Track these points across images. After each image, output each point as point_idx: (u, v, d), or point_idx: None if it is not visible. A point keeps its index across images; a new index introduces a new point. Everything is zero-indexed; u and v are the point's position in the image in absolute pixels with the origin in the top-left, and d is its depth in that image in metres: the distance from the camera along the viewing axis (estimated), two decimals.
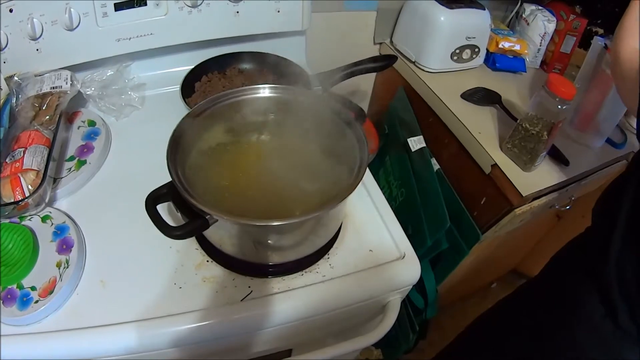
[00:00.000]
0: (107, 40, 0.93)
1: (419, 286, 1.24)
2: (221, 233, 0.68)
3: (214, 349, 0.71)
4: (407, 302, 1.29)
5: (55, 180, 0.80)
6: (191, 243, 0.75)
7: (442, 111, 1.24)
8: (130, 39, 0.95)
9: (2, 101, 0.81)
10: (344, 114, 0.74)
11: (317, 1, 1.14)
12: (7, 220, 0.71)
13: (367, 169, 0.80)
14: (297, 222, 0.62)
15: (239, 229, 0.66)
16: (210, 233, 0.70)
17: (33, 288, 0.64)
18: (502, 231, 1.17)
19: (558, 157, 1.10)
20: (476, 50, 1.34)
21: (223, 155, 0.75)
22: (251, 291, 0.70)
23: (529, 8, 1.44)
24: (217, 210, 0.58)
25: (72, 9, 0.86)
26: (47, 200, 0.75)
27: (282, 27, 1.11)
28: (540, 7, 1.43)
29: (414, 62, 1.35)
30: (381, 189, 0.90)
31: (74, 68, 0.92)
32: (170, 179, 0.61)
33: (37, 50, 0.87)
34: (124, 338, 0.63)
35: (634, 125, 1.22)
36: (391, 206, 0.87)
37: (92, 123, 0.91)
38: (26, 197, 0.71)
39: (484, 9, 1.30)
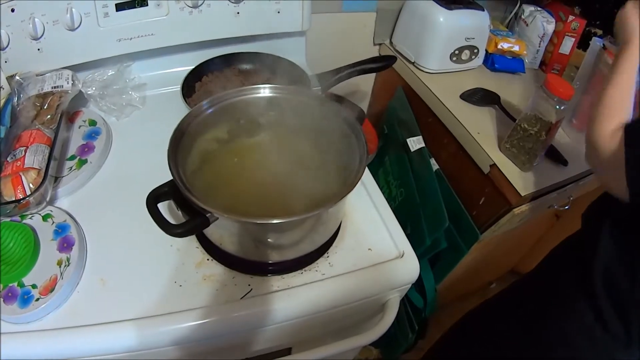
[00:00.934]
0: (108, 40, 0.94)
1: (418, 285, 1.24)
2: (221, 231, 0.68)
3: (214, 347, 0.71)
4: (406, 302, 1.30)
5: (56, 179, 0.80)
6: (191, 241, 0.76)
7: (441, 111, 1.24)
8: (131, 39, 0.95)
9: (3, 100, 0.82)
10: (343, 113, 0.75)
11: (317, 2, 1.15)
12: (8, 219, 0.72)
13: (367, 169, 0.81)
14: (297, 220, 0.63)
15: (240, 227, 0.66)
16: (210, 231, 0.71)
17: (34, 286, 0.65)
18: (501, 231, 1.18)
19: (556, 157, 1.11)
20: (475, 51, 1.35)
21: (224, 154, 0.76)
22: (251, 289, 0.70)
23: (527, 9, 1.44)
24: (217, 208, 0.58)
25: (73, 9, 0.86)
26: (48, 199, 0.75)
27: (282, 28, 1.11)
28: (539, 8, 1.43)
29: (413, 63, 1.36)
30: (380, 189, 0.90)
31: (75, 68, 0.92)
32: (171, 178, 0.62)
33: (39, 50, 0.87)
34: (124, 336, 0.64)
35: None
36: (390, 206, 0.87)
37: (93, 122, 0.91)
38: (27, 196, 0.71)
39: (483, 10, 1.31)
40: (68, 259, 0.68)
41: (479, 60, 1.39)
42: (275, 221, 0.59)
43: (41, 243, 0.70)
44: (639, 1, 0.76)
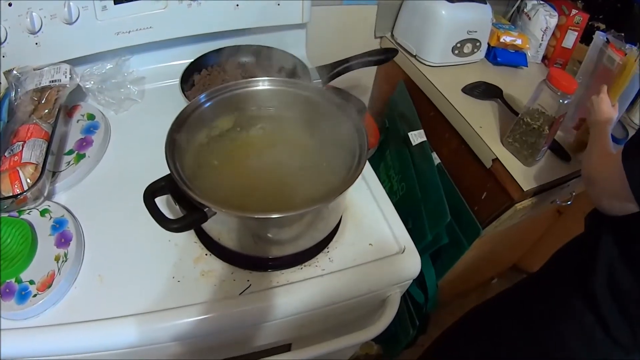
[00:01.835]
0: (106, 34, 0.93)
1: (419, 281, 1.23)
2: (220, 226, 0.68)
3: (213, 343, 0.71)
4: (407, 297, 1.29)
5: (54, 174, 0.80)
6: (190, 237, 0.75)
7: (443, 105, 1.23)
8: (129, 32, 0.95)
9: (1, 95, 0.81)
10: (344, 107, 0.74)
11: None
12: (6, 214, 0.71)
13: (367, 163, 0.80)
14: (297, 214, 0.62)
15: (238, 222, 0.65)
16: (209, 226, 0.70)
17: (31, 282, 0.64)
18: (503, 226, 1.17)
19: (559, 152, 1.10)
20: (477, 44, 1.33)
21: (222, 148, 0.75)
22: (250, 285, 0.70)
23: (530, 3, 1.43)
24: (215, 203, 0.58)
25: (71, 3, 0.85)
26: (45, 194, 0.75)
27: (282, 21, 1.10)
28: (541, 2, 1.42)
29: (414, 56, 1.35)
30: (381, 183, 0.90)
31: (73, 62, 0.92)
32: (168, 172, 0.61)
33: (36, 44, 0.86)
34: (122, 332, 0.63)
35: (636, 121, 1.22)
36: (391, 200, 0.86)
37: (91, 117, 0.90)
38: (25, 191, 0.71)
39: (486, 3, 1.30)
40: (66, 255, 0.68)
41: (481, 54, 1.38)
42: (274, 216, 0.59)
43: (39, 238, 0.69)
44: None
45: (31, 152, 0.74)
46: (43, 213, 0.73)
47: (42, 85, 0.86)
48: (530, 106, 1.00)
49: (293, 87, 0.78)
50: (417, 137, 1.22)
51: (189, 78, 0.99)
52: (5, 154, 0.75)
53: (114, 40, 0.94)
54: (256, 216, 0.60)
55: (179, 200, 0.62)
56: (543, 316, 0.88)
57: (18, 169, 0.72)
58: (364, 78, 1.60)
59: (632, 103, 1.18)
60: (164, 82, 1.04)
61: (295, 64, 1.02)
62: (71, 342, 0.63)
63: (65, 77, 0.88)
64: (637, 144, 0.74)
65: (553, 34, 1.41)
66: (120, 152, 0.88)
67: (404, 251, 0.78)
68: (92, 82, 0.93)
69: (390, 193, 1.33)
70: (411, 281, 0.81)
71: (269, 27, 1.11)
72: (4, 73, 0.84)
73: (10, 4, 0.81)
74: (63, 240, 0.69)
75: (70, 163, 0.82)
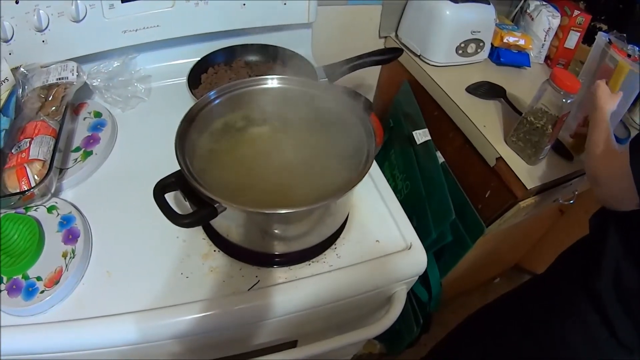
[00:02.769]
0: (113, 32, 0.93)
1: (423, 279, 1.24)
2: (229, 222, 0.68)
3: (221, 339, 0.71)
4: (411, 296, 1.29)
5: (61, 170, 0.80)
6: (198, 233, 0.75)
7: (447, 105, 1.24)
8: (136, 30, 0.95)
9: (8, 92, 0.81)
10: (351, 105, 0.74)
11: None
12: (13, 211, 0.71)
13: (374, 161, 0.80)
14: (305, 210, 0.62)
15: (247, 218, 0.66)
16: (217, 222, 0.70)
17: (39, 278, 0.64)
18: (506, 224, 1.17)
19: (562, 151, 1.10)
20: (481, 44, 1.34)
21: (230, 145, 0.75)
22: (258, 281, 0.70)
23: (533, 3, 1.44)
24: (226, 199, 0.58)
25: (78, 1, 0.85)
26: (53, 190, 0.75)
27: (288, 20, 1.11)
28: (544, 3, 1.42)
29: (419, 56, 1.35)
30: None
31: (80, 59, 0.92)
32: (178, 168, 0.61)
33: (43, 41, 0.87)
34: (130, 328, 0.63)
35: (637, 120, 1.22)
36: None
37: (98, 114, 0.90)
38: (32, 188, 0.71)
39: (489, 4, 1.30)
40: (73, 251, 0.68)
41: (484, 54, 1.38)
42: (283, 211, 0.59)
43: (46, 235, 0.69)
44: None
45: (38, 148, 0.75)
46: (50, 210, 0.73)
47: (49, 82, 0.86)
48: (533, 105, 1.01)
49: (301, 86, 0.78)
50: (421, 136, 1.23)
51: (196, 76, 0.99)
52: (13, 151, 0.75)
53: (121, 38, 0.95)
54: (266, 211, 0.60)
55: (188, 195, 0.62)
56: (547, 315, 0.88)
57: (25, 165, 0.72)
58: (369, 78, 1.61)
59: (634, 103, 1.18)
60: (170, 80, 1.04)
61: (301, 63, 1.02)
62: (79, 338, 0.63)
63: (73, 75, 0.88)
64: None
65: (556, 34, 1.42)
66: (127, 150, 0.88)
67: (410, 247, 0.78)
68: (99, 80, 0.93)
69: (395, 192, 1.32)
70: (417, 277, 0.81)
71: (275, 27, 1.11)
72: (11, 70, 0.84)
73: (17, 1, 0.81)
74: (70, 237, 0.69)
75: (78, 160, 0.82)
